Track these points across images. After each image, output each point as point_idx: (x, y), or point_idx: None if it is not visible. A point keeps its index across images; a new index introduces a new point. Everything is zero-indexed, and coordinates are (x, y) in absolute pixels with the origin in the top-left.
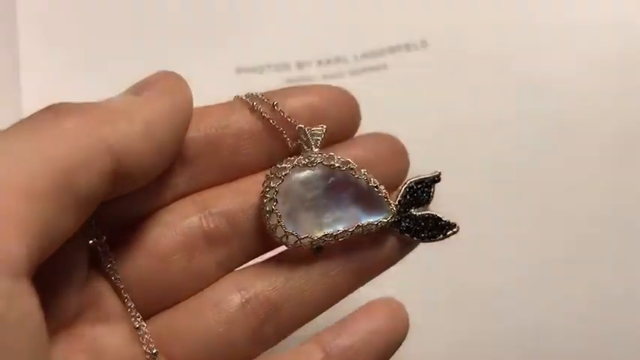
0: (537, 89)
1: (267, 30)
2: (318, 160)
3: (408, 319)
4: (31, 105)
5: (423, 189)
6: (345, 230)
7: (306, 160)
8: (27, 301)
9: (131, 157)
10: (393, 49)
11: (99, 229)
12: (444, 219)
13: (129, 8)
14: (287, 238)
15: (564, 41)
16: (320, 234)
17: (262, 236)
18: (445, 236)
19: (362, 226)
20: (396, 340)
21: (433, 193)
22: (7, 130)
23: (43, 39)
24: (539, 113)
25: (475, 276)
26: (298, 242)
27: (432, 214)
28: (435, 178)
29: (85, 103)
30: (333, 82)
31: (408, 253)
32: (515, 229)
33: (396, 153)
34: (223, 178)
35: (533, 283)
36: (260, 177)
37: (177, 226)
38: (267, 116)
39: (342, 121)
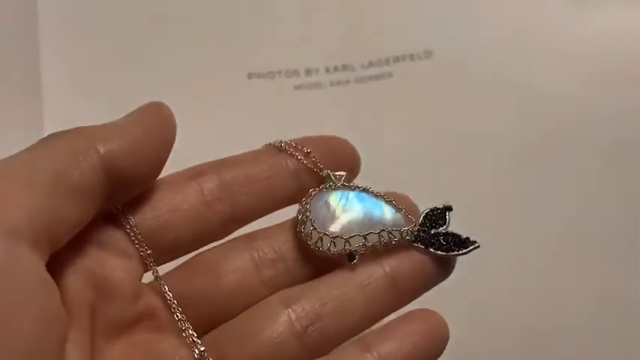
0: (539, 100)
1: (278, 37)
2: (340, 183)
3: (447, 329)
4: None
5: (439, 215)
6: (371, 233)
7: (329, 185)
8: (28, 259)
9: (115, 157)
10: (398, 59)
11: (149, 251)
12: (463, 236)
13: (142, 17)
14: (322, 241)
15: (567, 54)
16: (349, 235)
17: (304, 258)
18: (467, 250)
19: (387, 230)
20: (437, 350)
21: (449, 219)
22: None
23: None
24: (539, 124)
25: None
26: (332, 243)
27: (452, 232)
28: (449, 208)
29: (82, 126)
30: (340, 89)
31: (444, 272)
32: (511, 237)
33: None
34: (264, 212)
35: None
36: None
37: (229, 257)
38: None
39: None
